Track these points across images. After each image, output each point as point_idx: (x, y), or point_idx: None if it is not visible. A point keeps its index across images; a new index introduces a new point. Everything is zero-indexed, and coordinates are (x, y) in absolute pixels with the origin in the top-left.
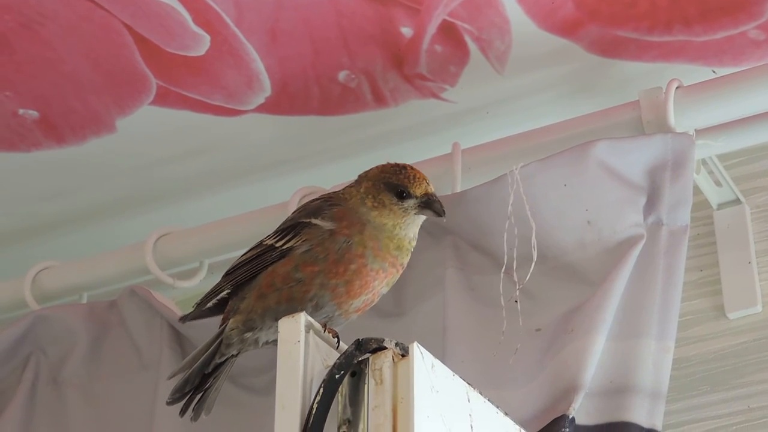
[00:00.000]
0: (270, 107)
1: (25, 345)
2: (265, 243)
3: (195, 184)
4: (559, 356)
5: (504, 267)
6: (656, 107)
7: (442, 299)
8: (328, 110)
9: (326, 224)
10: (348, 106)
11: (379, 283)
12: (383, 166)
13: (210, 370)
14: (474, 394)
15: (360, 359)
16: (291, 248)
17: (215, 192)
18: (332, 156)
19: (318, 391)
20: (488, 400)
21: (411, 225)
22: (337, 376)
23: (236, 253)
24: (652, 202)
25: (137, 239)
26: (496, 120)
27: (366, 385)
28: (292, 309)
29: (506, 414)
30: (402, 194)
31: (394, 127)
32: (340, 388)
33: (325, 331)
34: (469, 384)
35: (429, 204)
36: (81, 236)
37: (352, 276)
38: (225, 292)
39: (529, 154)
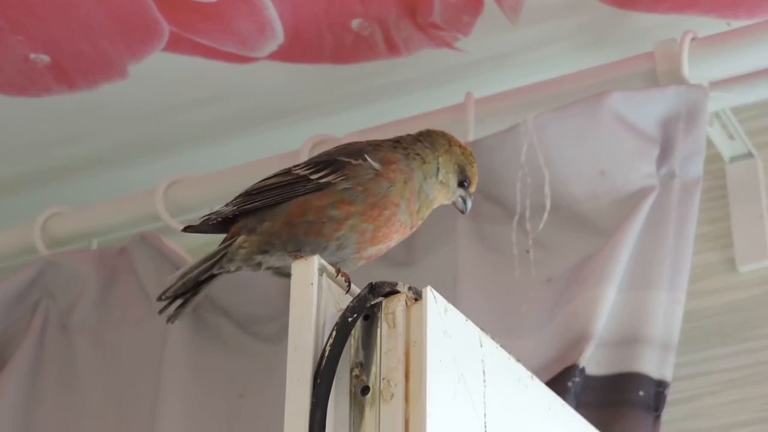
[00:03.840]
0: (282, 55)
1: (34, 291)
2: (295, 172)
3: (206, 131)
4: (570, 306)
5: (517, 216)
6: (670, 59)
7: (454, 249)
8: (341, 58)
9: (375, 164)
10: (361, 55)
11: (397, 237)
12: (464, 147)
13: (203, 278)
14: (486, 340)
15: (373, 303)
16: (329, 183)
17: (226, 139)
18: (344, 104)
19: (331, 334)
20: (501, 345)
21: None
22: (349, 320)
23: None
24: (665, 154)
25: (148, 186)
26: (509, 70)
27: (379, 329)
28: (316, 243)
29: (518, 360)
30: (463, 184)
31: (407, 76)
32: (352, 332)
33: (338, 275)
34: (481, 329)
35: (466, 201)
36: (91, 182)
37: (383, 222)
38: (232, 210)
39: (543, 105)
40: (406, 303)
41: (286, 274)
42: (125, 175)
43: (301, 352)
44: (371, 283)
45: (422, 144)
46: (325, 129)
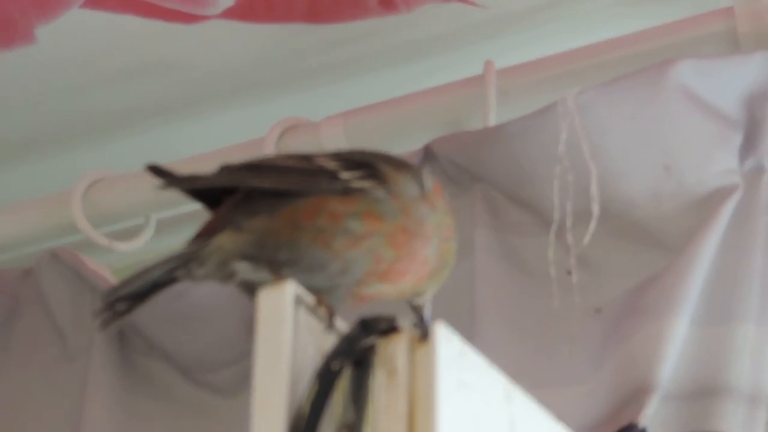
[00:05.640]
0: (241, 12)
1: None
2: (319, 163)
3: (140, 113)
4: (625, 346)
5: (554, 226)
6: (756, 16)
7: (470, 268)
8: (319, 17)
9: (426, 182)
10: (345, 12)
11: (410, 279)
12: None
13: (163, 281)
14: (516, 392)
15: (366, 344)
16: (360, 189)
17: (166, 124)
18: (324, 77)
19: (310, 387)
20: (534, 401)
21: None
22: (335, 367)
23: (193, 207)
24: (750, 142)
25: (62, 186)
26: (541, 31)
27: (374, 379)
28: (317, 258)
29: (558, 420)
30: None
31: (407, 40)
32: (338, 383)
33: (318, 306)
34: (509, 378)
35: None
36: None
37: (406, 253)
38: (228, 179)
39: (587, 77)
40: (410, 344)
41: None
42: (32, 172)
43: (270, 410)
44: (363, 317)
45: None
46: (299, 109)
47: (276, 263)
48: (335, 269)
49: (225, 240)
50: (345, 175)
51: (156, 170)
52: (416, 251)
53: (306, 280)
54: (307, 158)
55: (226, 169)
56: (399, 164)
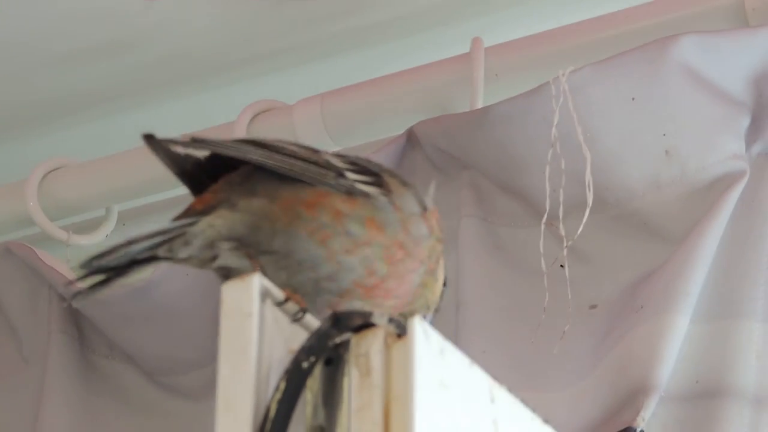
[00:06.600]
0: None
1: None
2: (326, 158)
3: (99, 96)
4: (621, 345)
5: (545, 216)
6: None
7: (455, 261)
8: None
9: (427, 201)
10: None
11: (392, 303)
12: None
13: (142, 258)
14: (501, 393)
15: (338, 341)
16: (365, 193)
17: (128, 108)
18: (299, 57)
19: (278, 387)
20: (521, 401)
21: None
22: (305, 365)
23: (158, 197)
24: (758, 125)
25: (15, 176)
26: (533, 6)
27: (346, 378)
28: (313, 254)
29: (546, 421)
30: None
31: (389, 16)
32: (309, 383)
33: (287, 301)
34: (493, 378)
35: None
36: None
37: (397, 272)
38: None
39: (583, 56)
40: (386, 341)
41: None
42: None
43: (236, 413)
44: (335, 312)
45: None
46: (272, 92)
47: (264, 252)
48: (325, 271)
49: (217, 219)
50: (351, 176)
51: (150, 139)
52: (407, 273)
53: (290, 277)
54: (314, 150)
55: (229, 142)
56: (402, 180)
